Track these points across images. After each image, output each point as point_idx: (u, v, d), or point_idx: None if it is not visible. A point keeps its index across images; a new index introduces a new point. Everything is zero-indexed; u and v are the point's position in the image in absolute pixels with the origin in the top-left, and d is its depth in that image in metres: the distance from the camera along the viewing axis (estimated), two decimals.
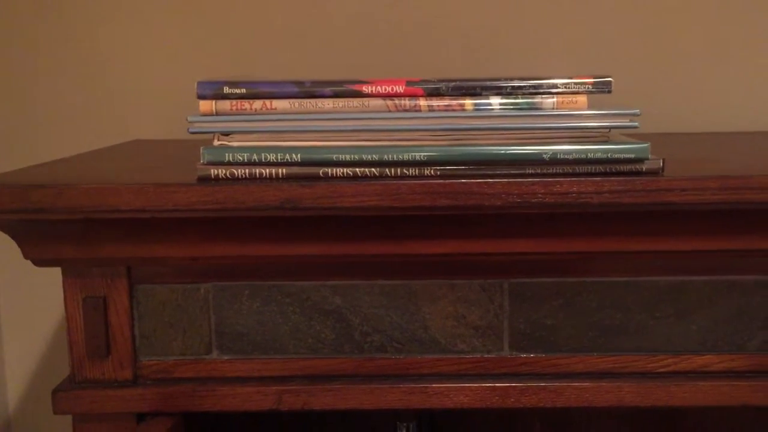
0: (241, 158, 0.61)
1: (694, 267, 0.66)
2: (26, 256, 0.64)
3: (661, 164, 0.61)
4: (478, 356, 0.68)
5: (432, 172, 0.61)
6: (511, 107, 0.62)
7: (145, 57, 0.99)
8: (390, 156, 0.60)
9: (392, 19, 0.97)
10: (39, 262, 0.65)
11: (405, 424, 0.87)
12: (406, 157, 0.60)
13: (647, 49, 0.97)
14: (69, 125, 1.00)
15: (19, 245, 0.64)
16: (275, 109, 0.62)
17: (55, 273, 0.67)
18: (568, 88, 0.62)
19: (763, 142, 0.85)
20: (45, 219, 0.61)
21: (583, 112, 0.61)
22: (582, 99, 0.62)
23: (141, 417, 0.68)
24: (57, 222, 0.62)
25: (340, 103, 0.62)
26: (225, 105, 0.62)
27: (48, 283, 0.96)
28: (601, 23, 0.97)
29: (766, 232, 0.63)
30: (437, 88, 0.62)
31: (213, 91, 0.62)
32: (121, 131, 0.99)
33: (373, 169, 0.61)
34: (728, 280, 0.66)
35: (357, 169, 0.61)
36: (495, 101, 0.62)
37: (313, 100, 0.62)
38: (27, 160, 0.78)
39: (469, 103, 0.62)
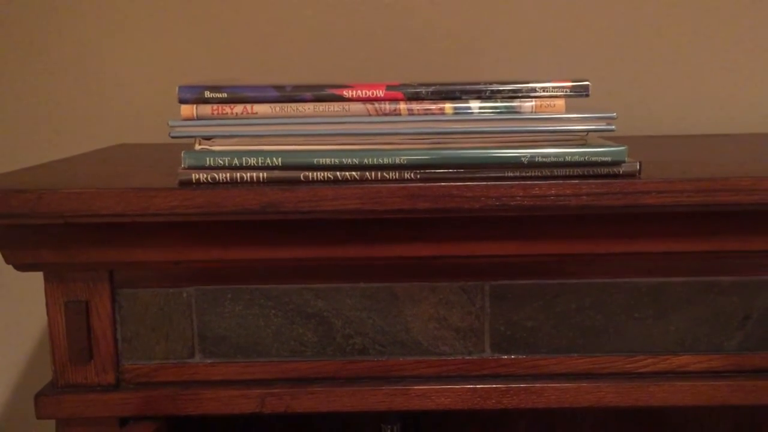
0: (222, 162, 0.61)
1: (672, 268, 0.67)
2: (7, 261, 0.64)
3: (638, 167, 0.61)
4: (460, 358, 0.68)
5: (412, 175, 0.61)
6: (491, 111, 0.62)
7: (129, 61, 0.99)
8: (370, 160, 0.61)
9: (373, 23, 0.98)
10: (20, 267, 0.65)
11: (389, 426, 0.87)
12: (386, 160, 0.61)
13: (624, 53, 0.98)
14: (53, 129, 1.00)
15: (0, 250, 0.64)
16: (256, 113, 0.62)
17: (37, 277, 0.67)
18: (547, 91, 0.62)
19: (738, 145, 0.86)
20: (25, 224, 0.62)
21: (561, 115, 0.62)
22: (560, 103, 0.62)
23: (124, 421, 0.68)
24: (38, 227, 0.62)
25: (321, 107, 0.62)
26: (206, 109, 0.62)
27: (30, 288, 0.96)
28: (579, 28, 0.98)
29: (741, 234, 0.64)
30: (417, 92, 0.63)
31: (194, 95, 0.62)
32: (106, 135, 0.99)
33: (353, 173, 0.61)
34: (705, 281, 0.67)
35: (338, 173, 0.61)
36: (474, 105, 0.62)
37: (293, 105, 0.62)
38: (8, 164, 0.78)
39: (448, 106, 0.62)
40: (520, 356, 0.68)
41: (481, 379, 0.68)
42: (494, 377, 0.68)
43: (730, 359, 0.68)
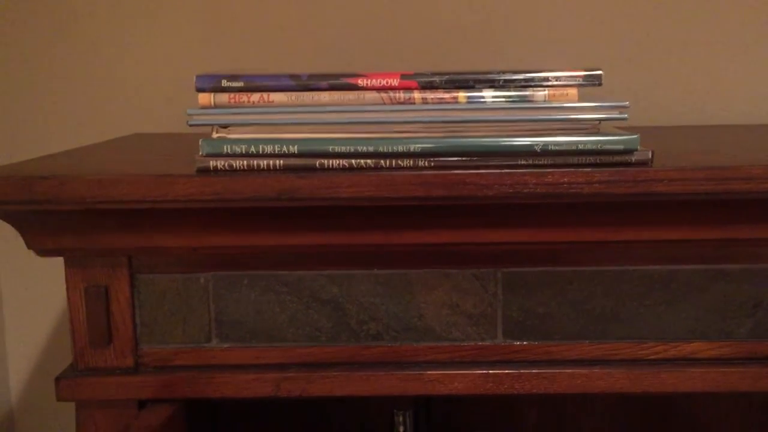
0: (239, 150, 0.62)
1: (684, 256, 0.67)
2: (29, 246, 0.66)
3: (650, 155, 0.62)
4: (473, 344, 0.69)
5: (426, 163, 0.62)
6: (504, 100, 0.63)
7: (144, 52, 1.00)
8: (385, 148, 0.62)
9: (387, 13, 0.99)
10: (42, 252, 0.66)
11: (401, 413, 0.88)
12: (400, 148, 0.62)
13: (638, 43, 0.98)
14: (68, 120, 1.01)
15: (23, 235, 0.65)
16: (272, 102, 0.63)
17: (57, 263, 0.69)
18: (560, 81, 0.63)
19: (751, 135, 0.86)
20: (48, 210, 0.63)
21: (573, 104, 0.62)
22: (573, 92, 0.63)
23: (142, 404, 0.69)
24: (59, 213, 0.64)
25: (336, 96, 0.63)
26: (223, 98, 0.63)
27: (49, 273, 0.97)
28: (593, 18, 0.98)
29: (753, 222, 0.64)
30: (431, 81, 0.63)
31: (211, 84, 0.63)
32: (120, 126, 1.00)
33: (368, 161, 0.62)
34: (717, 269, 0.68)
35: (353, 161, 0.62)
36: (488, 94, 0.63)
37: (309, 93, 0.63)
38: (25, 155, 0.79)
39: (462, 95, 0.63)
40: (533, 342, 0.69)
41: (494, 364, 0.69)
42: (507, 363, 0.69)
43: (740, 346, 0.69)
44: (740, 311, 0.68)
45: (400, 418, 0.88)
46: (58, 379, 0.68)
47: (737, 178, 0.60)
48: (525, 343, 0.69)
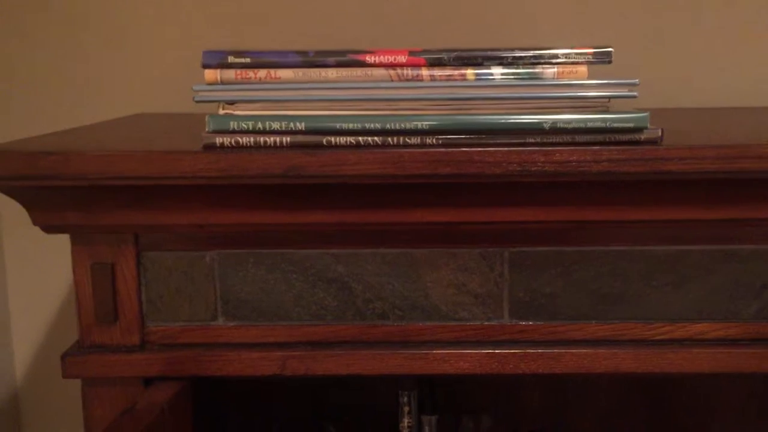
0: (245, 126, 0.62)
1: (692, 236, 0.67)
2: (35, 223, 0.66)
3: (660, 134, 0.61)
4: (478, 324, 0.69)
5: (434, 140, 0.61)
6: (513, 77, 0.62)
7: (148, 31, 1.00)
8: (392, 125, 0.61)
9: None
10: (47, 229, 0.66)
11: (406, 394, 0.88)
12: (408, 126, 0.61)
13: (648, 23, 0.97)
14: (70, 100, 1.01)
15: (29, 212, 0.65)
16: (279, 78, 0.63)
17: (61, 241, 0.68)
18: (569, 58, 0.62)
19: (762, 117, 0.86)
20: (53, 186, 0.62)
21: (583, 81, 0.62)
22: (582, 69, 0.62)
23: (148, 381, 0.69)
24: (65, 189, 0.63)
25: (344, 72, 0.63)
26: (230, 74, 0.63)
27: (54, 251, 0.97)
28: None
29: (762, 202, 0.64)
30: (439, 58, 0.63)
31: (218, 60, 0.63)
32: (123, 106, 1.00)
33: (375, 138, 0.61)
34: (725, 249, 0.67)
35: (360, 138, 0.62)
36: (496, 71, 0.63)
37: (316, 70, 0.63)
38: (28, 134, 0.78)
39: (470, 72, 0.63)
40: (539, 322, 0.69)
41: (500, 344, 0.69)
42: (512, 343, 0.69)
43: (747, 327, 0.68)
44: (747, 292, 0.68)
45: (405, 399, 0.88)
46: (64, 357, 0.69)
47: (748, 156, 0.59)
48: (531, 323, 0.69)
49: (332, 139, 0.62)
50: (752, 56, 0.98)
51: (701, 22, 0.97)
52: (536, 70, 0.63)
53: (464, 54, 0.63)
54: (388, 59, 0.63)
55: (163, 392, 0.67)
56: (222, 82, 0.63)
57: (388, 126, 0.61)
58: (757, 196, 0.64)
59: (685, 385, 0.97)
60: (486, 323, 0.69)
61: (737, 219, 0.65)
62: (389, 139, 0.61)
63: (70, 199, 0.64)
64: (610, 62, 0.63)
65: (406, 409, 0.88)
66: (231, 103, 0.63)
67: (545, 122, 0.61)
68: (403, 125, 0.61)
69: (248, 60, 0.63)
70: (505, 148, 0.60)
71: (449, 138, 0.61)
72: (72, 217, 0.65)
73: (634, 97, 0.61)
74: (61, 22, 0.99)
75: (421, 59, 0.63)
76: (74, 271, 0.68)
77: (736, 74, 0.98)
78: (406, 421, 0.88)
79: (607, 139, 0.61)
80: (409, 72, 0.63)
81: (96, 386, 0.69)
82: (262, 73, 0.63)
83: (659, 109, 0.89)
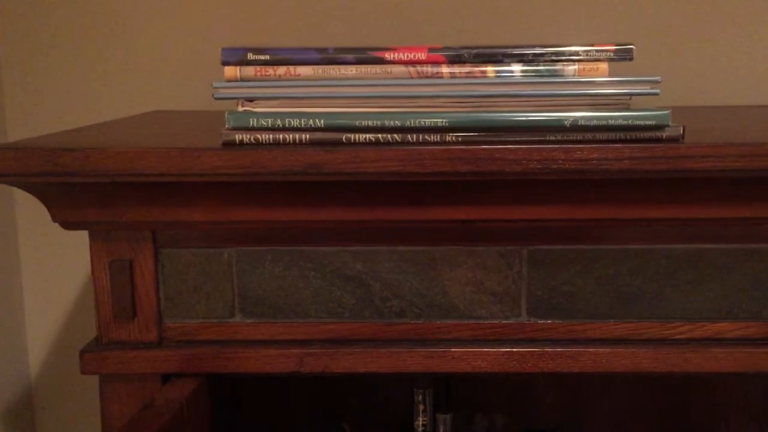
0: (265, 123, 0.62)
1: (712, 235, 0.67)
2: (54, 219, 0.66)
3: (682, 131, 0.61)
4: (496, 322, 0.69)
5: (453, 138, 0.61)
6: (533, 74, 0.62)
7: (165, 29, 1.00)
8: (412, 122, 0.61)
9: None
10: (67, 225, 0.66)
11: (421, 391, 0.88)
12: (427, 123, 0.61)
13: (671, 20, 0.97)
14: (88, 97, 1.01)
15: (48, 208, 0.65)
16: (299, 75, 0.63)
17: (77, 237, 0.69)
18: (590, 55, 0.62)
19: None
20: (72, 182, 0.63)
21: (604, 79, 0.62)
22: (603, 66, 0.62)
23: (166, 378, 0.69)
24: (84, 185, 0.63)
25: (363, 69, 0.63)
26: (249, 71, 0.63)
27: (69, 248, 0.97)
28: None
29: None
30: (459, 55, 0.63)
31: (237, 57, 0.63)
32: (140, 103, 1.00)
33: (395, 135, 0.61)
34: (745, 248, 0.67)
35: (379, 135, 0.61)
36: (516, 68, 0.62)
37: (336, 67, 0.63)
38: (47, 131, 0.79)
39: (490, 70, 0.62)
40: (557, 321, 0.69)
41: (518, 343, 0.69)
42: (530, 341, 0.69)
43: (767, 327, 0.68)
44: (767, 292, 0.68)
45: (420, 397, 0.88)
46: (82, 353, 0.69)
47: None
48: (549, 321, 0.69)
49: (351, 136, 0.61)
50: None
51: (721, 18, 0.97)
52: (557, 68, 0.62)
53: (484, 51, 0.63)
54: (407, 56, 0.63)
55: (181, 389, 0.67)
56: (241, 79, 0.63)
57: (407, 123, 0.61)
58: None
59: (700, 385, 0.96)
60: (504, 321, 0.69)
61: (758, 218, 0.64)
62: (409, 136, 0.61)
63: (90, 195, 0.64)
64: (631, 59, 0.62)
65: (421, 407, 0.88)
66: (250, 100, 0.63)
67: (566, 120, 0.61)
68: (422, 122, 0.61)
69: (267, 57, 0.63)
70: (526, 146, 0.60)
71: (469, 135, 0.61)
72: (91, 213, 0.65)
73: (656, 94, 0.61)
74: (79, 19, 1.00)
75: (441, 56, 0.63)
76: (93, 268, 0.68)
77: (756, 72, 0.97)
78: (420, 420, 0.88)
79: (628, 137, 0.61)
80: (428, 69, 0.63)
81: (113, 382, 0.70)
82: (281, 70, 0.63)
83: (679, 107, 0.88)
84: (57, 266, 1.03)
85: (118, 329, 0.69)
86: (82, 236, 0.68)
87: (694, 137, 0.62)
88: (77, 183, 0.63)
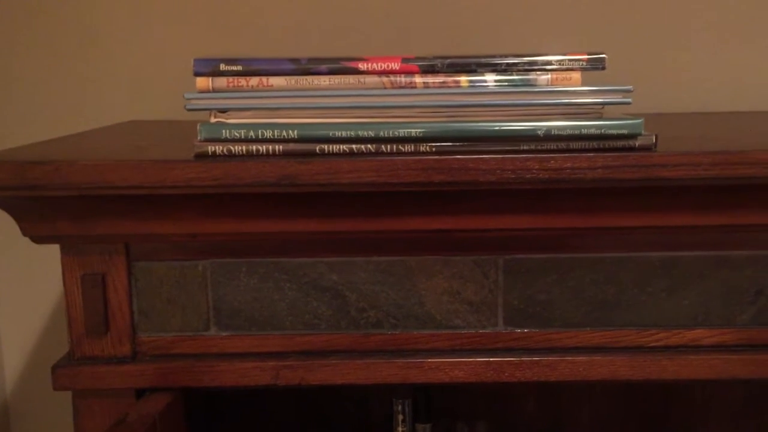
0: (238, 135, 0.61)
1: (686, 242, 0.67)
2: (25, 233, 0.65)
3: (654, 140, 0.61)
4: (473, 331, 0.69)
5: (427, 148, 0.61)
6: (506, 84, 0.62)
7: (140, 38, 0.99)
8: (386, 132, 0.61)
9: None
10: (37, 239, 0.65)
11: (401, 401, 0.88)
12: (401, 133, 0.61)
13: (642, 28, 0.97)
14: (63, 107, 1.00)
15: (18, 222, 0.64)
16: (272, 86, 0.62)
17: (51, 251, 0.68)
18: (563, 64, 0.62)
19: (756, 121, 0.86)
20: (43, 196, 0.62)
21: (577, 88, 0.62)
22: (576, 76, 0.62)
23: (140, 392, 0.68)
24: (55, 199, 0.63)
25: (336, 80, 0.62)
26: (221, 82, 0.62)
27: (44, 261, 0.96)
28: (596, 4, 0.97)
29: (757, 208, 0.64)
30: (432, 65, 0.63)
31: (209, 68, 0.62)
32: (116, 113, 0.99)
33: (369, 146, 0.61)
34: (719, 256, 0.67)
35: (353, 146, 0.61)
36: (490, 78, 0.62)
37: (309, 77, 0.62)
38: (19, 142, 0.78)
39: (464, 79, 0.62)
40: (534, 330, 0.69)
41: (495, 352, 0.69)
42: (507, 351, 0.69)
43: (742, 333, 0.68)
44: (742, 298, 0.68)
45: (399, 407, 0.87)
46: (54, 369, 0.68)
47: (743, 162, 0.59)
48: (526, 330, 0.69)
49: (325, 147, 0.61)
50: (744, 60, 0.98)
51: (692, 26, 0.98)
52: (530, 77, 0.62)
53: (457, 61, 0.63)
54: (381, 66, 0.62)
55: (155, 403, 0.66)
56: (214, 90, 0.62)
57: (381, 134, 0.61)
58: (751, 202, 0.64)
59: (681, 391, 0.97)
60: (481, 331, 0.69)
61: (731, 225, 0.65)
62: (383, 146, 0.61)
63: (61, 209, 0.64)
64: (603, 68, 0.62)
65: (401, 417, 0.88)
66: (223, 111, 0.63)
67: (539, 129, 0.61)
68: (396, 133, 0.61)
69: (240, 68, 0.62)
70: (500, 156, 0.60)
71: (443, 145, 0.61)
72: (62, 227, 0.64)
73: (629, 103, 0.61)
74: (53, 29, 0.99)
75: (414, 66, 0.63)
76: (64, 282, 0.67)
77: (728, 79, 0.98)
78: (400, 429, 0.88)
79: (602, 146, 0.61)
80: (402, 79, 0.62)
81: (87, 398, 0.68)
82: (254, 80, 0.62)
83: (653, 114, 0.89)
84: (30, 280, 1.02)
85: (91, 344, 0.68)
86: (55, 249, 0.67)
87: (668, 145, 0.63)
88: (47, 197, 0.62)
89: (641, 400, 0.98)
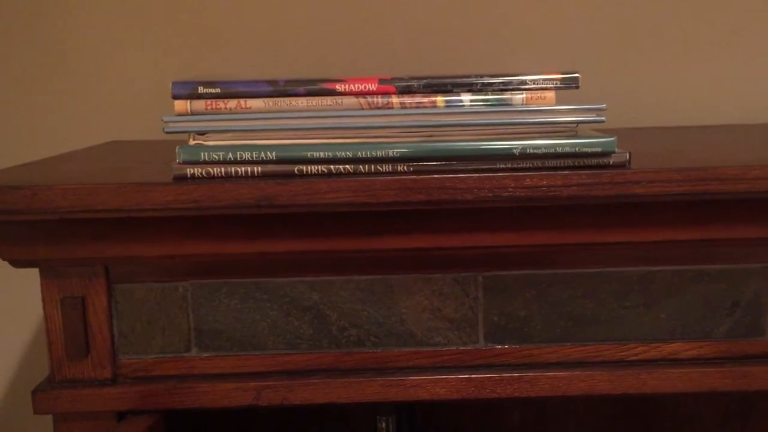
0: (216, 157, 0.62)
1: (662, 257, 0.68)
2: (3, 258, 0.65)
3: (628, 157, 0.62)
4: (454, 348, 0.69)
5: (405, 168, 0.62)
6: (482, 103, 0.63)
7: (121, 59, 0.99)
8: (364, 153, 0.61)
9: (365, 18, 0.98)
10: (16, 263, 0.65)
11: (384, 419, 0.88)
12: (379, 153, 0.61)
13: (613, 46, 0.99)
14: (43, 128, 1.00)
15: None
16: (250, 108, 0.63)
17: (33, 274, 0.67)
18: (537, 84, 0.63)
19: (727, 135, 0.87)
20: (21, 220, 0.62)
21: (551, 107, 0.63)
22: (550, 95, 0.63)
23: (121, 415, 0.68)
24: (33, 223, 0.63)
25: (314, 101, 0.63)
26: (200, 105, 0.63)
27: (23, 285, 0.95)
28: (569, 22, 0.99)
29: (730, 222, 0.65)
30: (409, 86, 0.63)
31: (188, 91, 0.63)
32: (97, 133, 0.99)
33: (347, 166, 0.62)
34: (695, 270, 0.68)
35: (331, 167, 0.62)
36: (466, 98, 0.63)
37: (287, 99, 0.63)
38: (0, 162, 0.78)
39: (440, 99, 0.63)
40: (514, 346, 0.69)
41: (476, 369, 0.69)
42: (488, 367, 0.69)
43: (719, 346, 0.69)
44: (719, 311, 0.69)
45: (383, 424, 0.88)
46: (34, 392, 0.67)
47: (715, 178, 0.60)
48: (506, 346, 0.69)
49: (303, 168, 0.62)
50: (716, 75, 1.00)
51: (667, 41, 0.99)
52: (505, 96, 0.63)
53: (433, 81, 0.63)
54: (358, 87, 0.63)
55: (136, 426, 0.66)
56: (192, 113, 0.63)
57: (359, 154, 0.61)
58: (724, 216, 0.65)
59: (664, 402, 0.97)
60: (461, 348, 0.69)
61: (706, 239, 0.66)
62: (361, 167, 0.62)
63: (39, 232, 0.64)
64: (577, 87, 0.63)
65: None
66: (201, 133, 0.63)
67: (515, 148, 0.61)
68: (374, 153, 0.61)
69: (218, 90, 0.63)
70: (476, 174, 0.61)
71: (420, 165, 0.62)
72: (41, 251, 0.64)
73: (602, 121, 0.62)
74: (31, 50, 0.99)
75: (391, 87, 0.63)
76: (44, 305, 0.67)
77: (701, 93, 1.00)
78: None
79: (577, 164, 0.62)
80: (379, 100, 0.63)
81: (68, 422, 0.68)
82: (232, 103, 0.63)
83: (626, 129, 0.90)
84: (9, 304, 1.01)
85: (71, 367, 0.68)
86: (34, 272, 0.67)
87: (641, 160, 0.64)
88: (25, 220, 0.62)
89: (625, 412, 0.98)
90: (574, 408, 0.98)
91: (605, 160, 0.62)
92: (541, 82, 0.63)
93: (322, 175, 0.62)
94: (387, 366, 0.69)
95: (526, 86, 0.63)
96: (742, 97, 1.00)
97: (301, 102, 0.63)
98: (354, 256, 0.67)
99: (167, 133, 0.62)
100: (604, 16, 0.98)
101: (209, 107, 0.63)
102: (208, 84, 0.63)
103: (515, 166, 0.62)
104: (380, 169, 0.62)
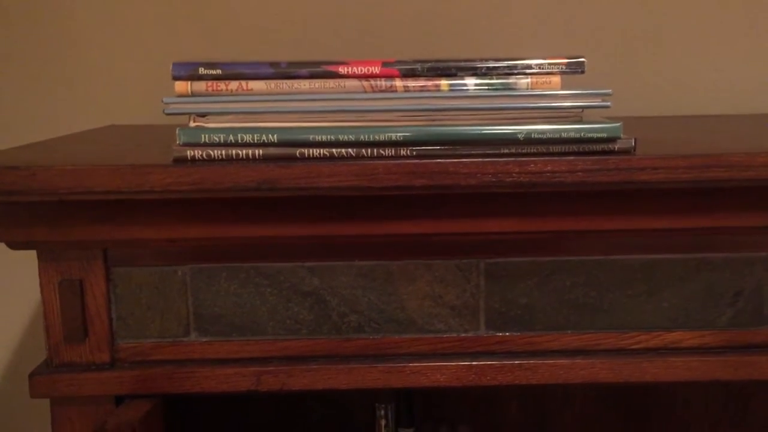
0: (217, 139, 0.61)
1: (665, 245, 0.67)
2: (1, 239, 0.64)
3: (633, 144, 0.62)
4: (455, 335, 0.69)
5: (408, 152, 0.61)
6: (486, 88, 0.62)
7: (120, 42, 0.98)
8: (366, 136, 0.61)
9: (367, 1, 0.97)
10: (14, 245, 0.65)
11: (383, 406, 0.87)
12: (382, 137, 0.61)
13: (621, 32, 0.98)
14: (42, 112, 0.99)
15: None
16: (251, 90, 0.62)
17: (30, 257, 0.67)
18: (542, 68, 0.62)
19: (733, 124, 0.87)
20: (19, 201, 0.61)
21: (556, 92, 0.62)
22: (556, 79, 0.63)
23: (119, 400, 0.68)
24: (31, 204, 0.62)
25: (317, 84, 0.62)
26: (201, 86, 0.62)
27: (21, 267, 0.95)
28: (576, 7, 0.98)
29: (735, 210, 0.64)
30: (413, 69, 0.63)
31: (188, 72, 0.62)
32: (95, 117, 0.98)
33: (349, 150, 0.61)
34: (698, 258, 0.68)
35: (333, 150, 0.61)
36: (470, 82, 0.62)
37: (289, 81, 0.62)
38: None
39: (444, 83, 0.62)
40: (515, 333, 0.69)
41: (476, 356, 0.69)
42: (489, 354, 0.69)
43: (721, 335, 0.69)
44: (721, 300, 0.68)
45: (382, 412, 0.87)
46: (31, 376, 0.67)
47: (720, 165, 0.60)
48: (507, 334, 0.69)
49: (305, 151, 0.61)
50: (723, 64, 0.99)
51: (674, 29, 0.98)
52: (510, 81, 0.63)
53: (438, 65, 0.63)
54: (361, 70, 0.62)
55: (134, 411, 0.66)
56: (193, 94, 0.62)
57: (361, 138, 0.61)
58: (728, 204, 0.64)
59: (662, 394, 0.97)
60: (462, 335, 0.69)
61: (710, 227, 0.65)
62: (363, 150, 0.61)
63: (38, 214, 0.63)
64: (583, 72, 0.63)
65: (383, 422, 0.87)
66: (202, 115, 0.62)
67: (519, 133, 0.61)
68: (376, 137, 0.61)
69: (219, 71, 0.62)
70: (480, 159, 0.60)
71: (423, 149, 0.61)
72: (39, 233, 0.63)
73: (608, 107, 0.61)
74: (31, 32, 0.98)
75: (395, 70, 0.63)
76: (42, 288, 0.66)
77: (707, 82, 0.99)
78: None
79: (581, 149, 0.61)
80: (382, 83, 0.62)
81: (65, 406, 0.68)
82: (233, 84, 0.62)
83: (632, 117, 0.89)
84: (7, 286, 1.00)
85: (69, 351, 0.67)
86: (32, 255, 0.66)
87: (646, 148, 0.63)
88: (23, 202, 0.61)
89: (624, 404, 0.98)
90: (572, 402, 0.98)
91: (610, 146, 0.61)
92: (547, 66, 0.62)
93: (323, 158, 0.61)
94: (387, 352, 0.69)
95: (531, 70, 0.62)
96: (749, 86, 0.99)
97: (304, 84, 0.62)
98: (355, 242, 0.67)
99: (167, 114, 0.62)
100: (611, 4, 0.98)
101: (210, 89, 0.62)
102: (209, 65, 0.62)
103: (519, 151, 0.61)
104: (383, 153, 0.61)
